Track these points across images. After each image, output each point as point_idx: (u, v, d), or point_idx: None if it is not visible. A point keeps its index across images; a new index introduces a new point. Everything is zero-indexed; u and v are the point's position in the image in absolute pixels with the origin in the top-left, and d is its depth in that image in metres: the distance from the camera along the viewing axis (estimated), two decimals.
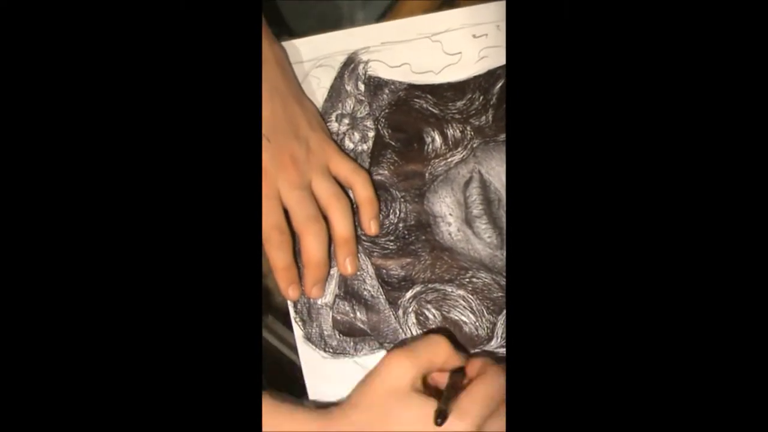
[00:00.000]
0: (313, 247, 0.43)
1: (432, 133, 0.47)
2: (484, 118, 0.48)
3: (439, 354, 0.40)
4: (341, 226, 0.44)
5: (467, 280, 0.45)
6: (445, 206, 0.46)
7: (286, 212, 0.44)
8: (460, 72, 0.48)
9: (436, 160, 0.47)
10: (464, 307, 0.45)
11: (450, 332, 0.45)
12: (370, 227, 0.45)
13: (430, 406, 0.37)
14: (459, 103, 0.48)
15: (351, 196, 0.46)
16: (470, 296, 0.45)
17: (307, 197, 0.44)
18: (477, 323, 0.45)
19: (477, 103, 0.48)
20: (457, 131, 0.47)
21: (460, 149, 0.47)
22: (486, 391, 0.38)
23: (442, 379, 0.40)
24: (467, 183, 0.47)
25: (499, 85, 0.48)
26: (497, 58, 0.48)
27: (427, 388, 0.40)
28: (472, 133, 0.47)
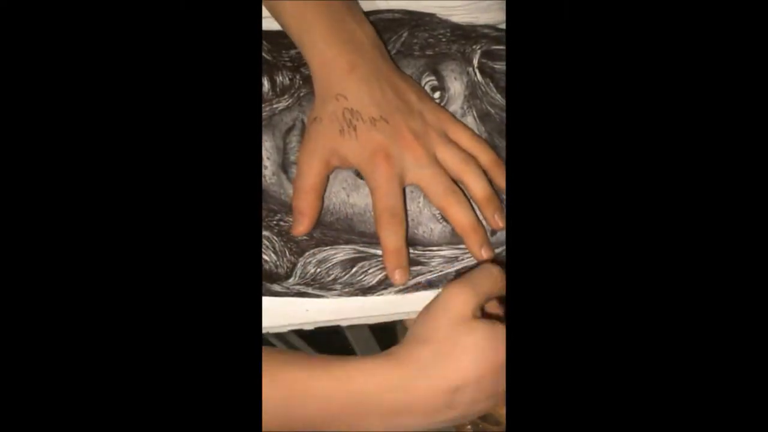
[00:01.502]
0: (463, 214, 0.45)
1: (261, 78, 0.48)
2: None
3: (496, 282, 0.41)
4: (479, 187, 0.45)
5: (275, 222, 0.46)
6: (264, 150, 0.47)
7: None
8: None
9: (262, 105, 0.48)
10: (267, 246, 0.46)
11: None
12: (497, 222, 0.46)
13: (496, 328, 0.38)
14: (292, 52, 0.49)
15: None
16: (275, 238, 0.46)
17: (439, 171, 0.45)
18: (278, 262, 0.46)
19: None
20: (287, 79, 0.48)
21: (286, 97, 0.48)
22: None
23: (496, 309, 0.42)
24: (289, 130, 0.48)
25: None
26: None
27: (486, 317, 0.40)
28: (301, 82, 0.48)
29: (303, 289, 0.45)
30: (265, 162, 0.47)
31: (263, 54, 0.49)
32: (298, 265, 0.46)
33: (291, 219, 0.46)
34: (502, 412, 0.44)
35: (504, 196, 0.47)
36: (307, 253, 0.46)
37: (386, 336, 0.64)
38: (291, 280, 0.45)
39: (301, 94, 0.48)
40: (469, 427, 0.55)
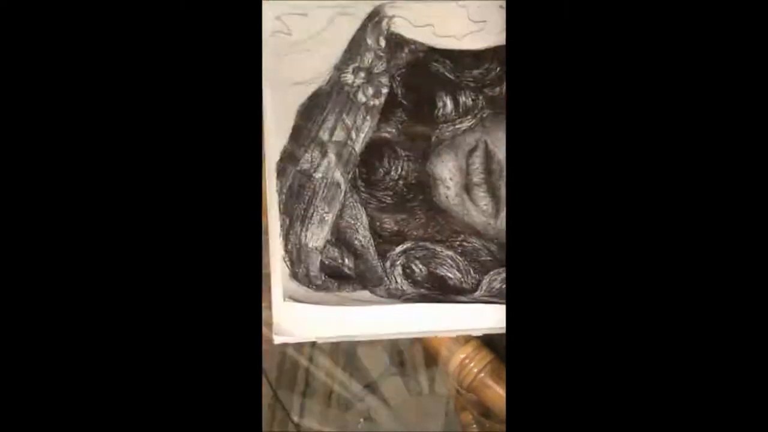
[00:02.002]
0: None
1: (444, 98, 0.48)
2: (498, 89, 0.48)
3: None
4: None
5: (458, 243, 0.47)
6: (446, 170, 0.48)
7: None
8: (481, 40, 0.49)
9: (445, 125, 0.48)
10: (451, 265, 0.47)
11: None
12: None
13: None
14: (476, 72, 0.49)
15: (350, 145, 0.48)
16: (459, 257, 0.47)
17: None
18: (462, 279, 0.47)
19: (493, 73, 0.49)
20: (470, 99, 0.49)
21: (469, 117, 0.48)
22: None
23: None
24: (471, 151, 0.48)
25: None
26: None
27: None
28: (484, 102, 0.49)
29: (489, 299, 0.46)
30: (448, 182, 0.48)
31: (446, 73, 0.49)
32: (484, 281, 0.47)
33: (473, 240, 0.47)
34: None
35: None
36: (492, 272, 0.47)
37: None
38: (477, 293, 0.47)
39: (485, 115, 0.48)
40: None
